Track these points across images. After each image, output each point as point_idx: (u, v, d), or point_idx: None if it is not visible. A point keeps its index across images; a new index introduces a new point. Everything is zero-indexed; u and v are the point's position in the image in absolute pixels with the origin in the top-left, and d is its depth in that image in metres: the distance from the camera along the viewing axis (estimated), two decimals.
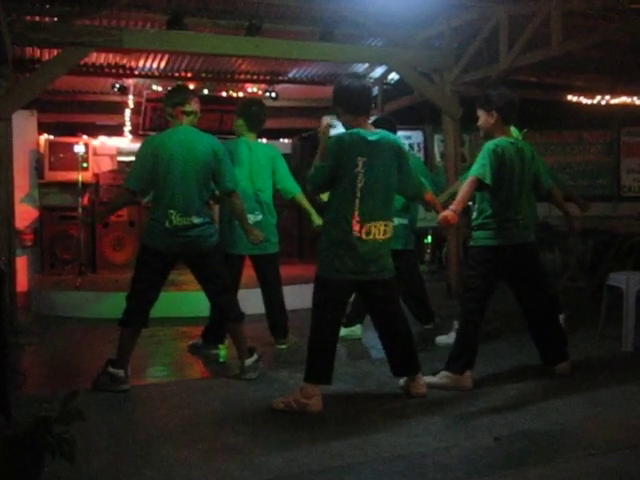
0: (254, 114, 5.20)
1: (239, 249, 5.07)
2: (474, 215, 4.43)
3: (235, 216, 4.72)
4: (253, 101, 5.58)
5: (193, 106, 4.43)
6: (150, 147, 4.32)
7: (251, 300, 5.40)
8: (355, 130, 3.85)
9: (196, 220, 4.30)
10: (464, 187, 4.14)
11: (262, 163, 5.18)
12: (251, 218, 4.87)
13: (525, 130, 5.08)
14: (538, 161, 4.48)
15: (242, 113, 5.25)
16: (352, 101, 3.88)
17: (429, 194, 4.21)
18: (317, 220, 5.29)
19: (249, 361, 4.51)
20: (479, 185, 4.15)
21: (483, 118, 4.37)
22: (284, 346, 5.33)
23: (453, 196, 4.42)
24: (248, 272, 5.37)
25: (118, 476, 3.01)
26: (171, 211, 4.24)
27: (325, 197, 5.01)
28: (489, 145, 4.22)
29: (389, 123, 5.25)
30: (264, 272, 5.28)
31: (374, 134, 3.88)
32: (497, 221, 4.26)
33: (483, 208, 4.34)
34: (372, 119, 5.42)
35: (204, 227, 4.35)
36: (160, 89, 9.06)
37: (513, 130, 4.58)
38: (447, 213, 3.94)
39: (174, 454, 3.24)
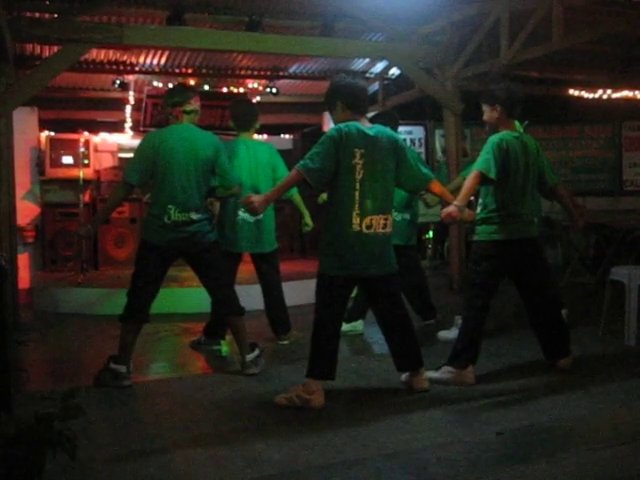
0: (239, 115, 5.25)
1: (238, 247, 5.09)
2: (478, 209, 4.42)
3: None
4: (239, 102, 5.60)
5: (193, 105, 4.43)
6: (151, 142, 4.33)
7: (252, 296, 5.40)
8: (352, 123, 3.84)
9: (195, 216, 4.31)
10: (468, 181, 4.13)
11: (261, 161, 5.18)
12: (253, 216, 4.85)
13: (526, 122, 5.06)
14: (542, 156, 4.47)
15: (231, 114, 5.32)
16: (354, 98, 3.89)
17: (434, 183, 4.05)
18: (310, 222, 5.38)
19: (250, 356, 4.51)
20: (483, 179, 4.14)
21: (487, 113, 4.36)
22: (287, 342, 5.33)
23: (453, 192, 4.41)
24: (249, 268, 5.37)
25: (120, 472, 3.01)
26: (170, 207, 4.25)
27: (322, 198, 5.05)
28: (493, 139, 4.21)
29: (391, 118, 5.24)
30: (264, 269, 5.28)
31: (371, 128, 3.88)
32: (501, 216, 4.25)
33: (487, 202, 4.32)
34: (374, 113, 5.44)
35: (202, 223, 4.36)
36: (161, 85, 9.05)
37: (515, 123, 4.57)
38: (451, 209, 3.92)
39: (176, 450, 3.24)
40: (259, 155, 5.19)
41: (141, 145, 4.40)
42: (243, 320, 4.57)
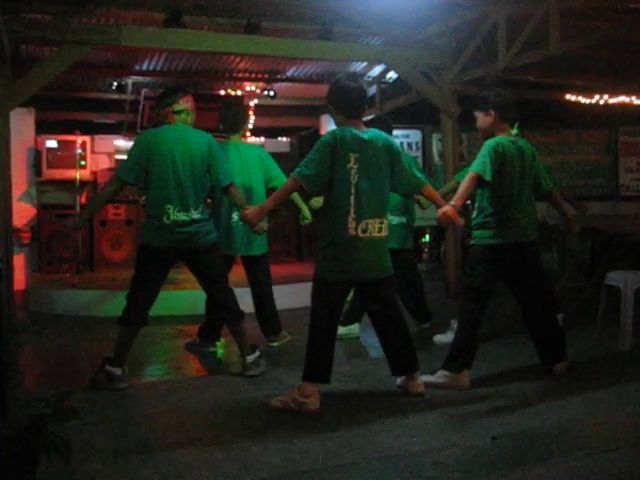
0: (228, 117, 5.23)
1: (232, 250, 5.08)
2: (474, 214, 4.43)
3: (237, 208, 4.68)
4: (228, 104, 5.57)
5: (182, 105, 4.43)
6: (146, 141, 4.34)
7: (245, 299, 5.38)
8: (347, 127, 3.85)
9: (195, 216, 4.31)
10: (464, 183, 4.14)
11: (252, 164, 5.16)
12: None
13: (518, 123, 5.07)
14: (539, 161, 4.48)
15: (219, 117, 5.29)
16: (345, 103, 3.88)
17: (428, 188, 4.07)
18: (308, 215, 5.30)
19: (251, 357, 4.51)
20: (478, 182, 4.14)
21: (481, 119, 4.38)
22: (276, 343, 5.32)
23: (447, 195, 4.41)
24: (242, 271, 5.36)
25: (114, 475, 3.00)
26: (168, 206, 4.24)
27: (316, 202, 5.04)
28: (490, 143, 4.22)
29: (385, 123, 5.23)
30: (255, 272, 5.27)
31: (366, 132, 3.88)
32: (498, 220, 4.26)
33: (483, 207, 4.33)
34: (368, 118, 5.44)
35: (202, 223, 4.36)
36: (158, 87, 9.04)
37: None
38: (447, 209, 3.93)
39: (171, 453, 3.24)
40: (250, 157, 5.17)
41: (135, 143, 4.41)
42: (242, 322, 4.56)
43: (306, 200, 5.22)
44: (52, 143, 8.85)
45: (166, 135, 4.34)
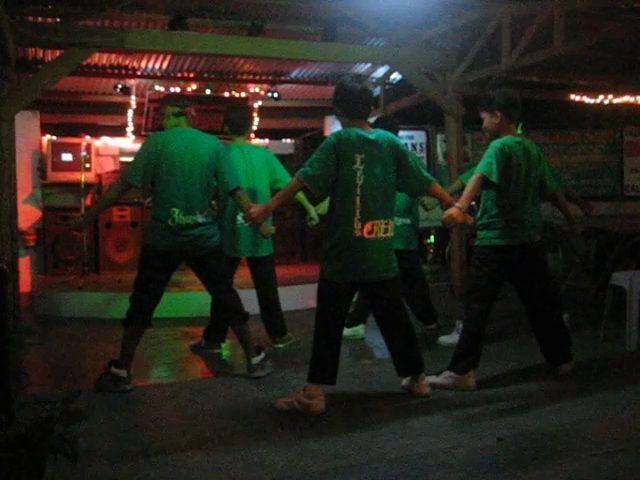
0: (233, 120, 5.22)
1: (237, 252, 5.08)
2: (478, 214, 4.42)
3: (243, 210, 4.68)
4: (233, 107, 5.57)
5: (180, 108, 4.44)
6: (154, 144, 4.34)
7: (251, 300, 5.40)
8: (352, 128, 3.85)
9: (200, 219, 4.31)
10: (470, 184, 4.12)
11: (257, 165, 5.16)
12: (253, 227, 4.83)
13: (522, 123, 5.07)
14: (544, 161, 4.47)
15: (224, 119, 5.29)
16: (351, 105, 3.87)
17: (435, 186, 4.02)
18: (315, 217, 5.30)
19: (256, 359, 4.52)
20: (484, 183, 4.14)
21: (487, 119, 4.36)
22: (282, 345, 5.33)
23: (452, 196, 4.40)
24: (247, 272, 5.37)
25: (120, 477, 3.01)
26: (174, 209, 4.25)
27: (323, 207, 5.04)
28: (496, 144, 4.21)
29: (391, 123, 5.24)
30: (260, 273, 5.28)
31: (372, 133, 3.87)
32: (503, 221, 4.25)
33: (488, 207, 4.33)
34: (374, 119, 5.45)
35: (207, 226, 4.36)
36: (162, 89, 9.06)
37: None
38: (452, 211, 3.91)
39: (176, 454, 3.24)
40: (255, 159, 5.18)
41: (143, 147, 4.40)
42: (247, 325, 4.57)
43: (313, 203, 5.23)
44: (57, 146, 8.88)
45: (175, 139, 4.35)
